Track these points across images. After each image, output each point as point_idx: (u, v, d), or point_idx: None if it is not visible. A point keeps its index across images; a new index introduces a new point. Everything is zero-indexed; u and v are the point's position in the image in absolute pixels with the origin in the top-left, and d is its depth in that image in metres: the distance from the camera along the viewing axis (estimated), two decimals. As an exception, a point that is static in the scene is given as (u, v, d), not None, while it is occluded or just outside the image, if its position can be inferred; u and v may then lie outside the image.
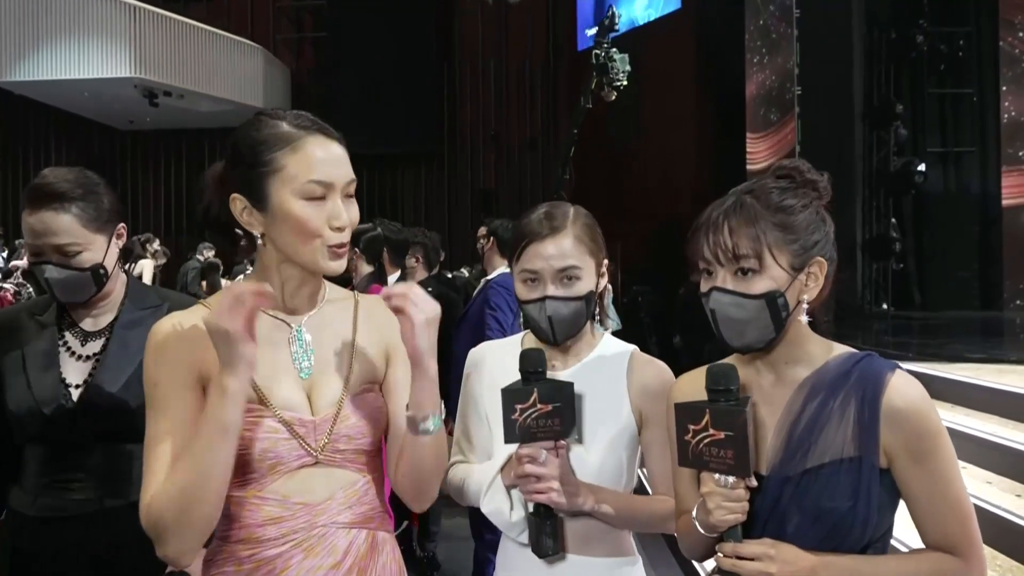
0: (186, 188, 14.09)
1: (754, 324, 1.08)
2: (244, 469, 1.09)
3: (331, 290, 1.25)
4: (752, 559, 1.04)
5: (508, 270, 3.17)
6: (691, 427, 1.05)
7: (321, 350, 1.17)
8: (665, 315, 9.31)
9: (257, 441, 1.08)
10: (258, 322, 1.09)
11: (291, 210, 1.09)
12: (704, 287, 1.12)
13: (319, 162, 1.10)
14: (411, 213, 13.49)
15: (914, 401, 1.07)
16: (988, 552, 2.87)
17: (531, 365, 1.28)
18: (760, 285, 1.07)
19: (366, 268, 3.48)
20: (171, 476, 1.03)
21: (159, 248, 8.96)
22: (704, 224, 1.12)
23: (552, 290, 1.34)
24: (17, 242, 8.18)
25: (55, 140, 14.06)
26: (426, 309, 1.09)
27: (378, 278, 3.55)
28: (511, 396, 1.26)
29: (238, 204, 1.12)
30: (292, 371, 1.14)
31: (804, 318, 1.10)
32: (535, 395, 1.25)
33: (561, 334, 1.37)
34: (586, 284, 1.36)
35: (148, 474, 1.06)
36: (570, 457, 1.33)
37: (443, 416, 1.19)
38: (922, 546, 1.12)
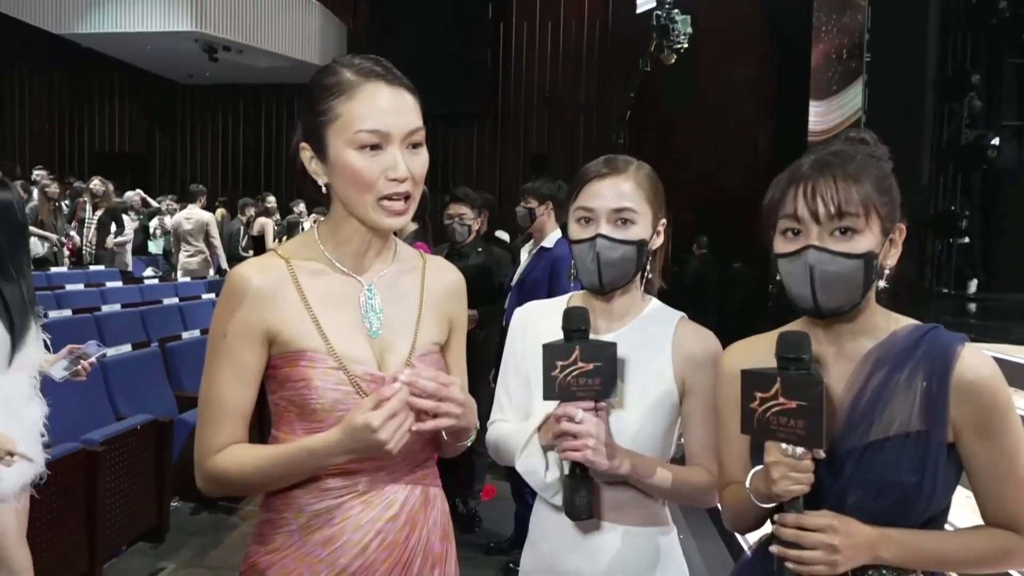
0: (243, 143, 14.33)
1: (849, 285, 1.05)
2: (313, 418, 1.10)
3: (402, 249, 1.24)
4: (816, 530, 1.01)
5: (563, 237, 3.13)
6: (759, 395, 1.01)
7: (390, 310, 1.17)
8: (716, 284, 9.18)
9: (329, 392, 1.09)
10: (329, 279, 1.13)
11: (346, 160, 1.07)
12: (789, 247, 1.07)
13: (374, 110, 1.06)
14: (462, 174, 13.48)
15: (986, 375, 1.04)
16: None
17: (574, 323, 1.26)
18: (862, 244, 1.04)
19: (411, 225, 3.49)
20: (240, 467, 1.10)
21: (273, 204, 9.19)
22: (798, 179, 1.07)
23: (605, 229, 1.32)
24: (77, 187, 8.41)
25: (118, 92, 14.39)
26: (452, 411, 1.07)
27: (422, 236, 3.57)
28: (552, 352, 1.24)
29: (306, 153, 1.12)
30: (362, 329, 1.14)
31: (882, 284, 1.07)
32: (577, 352, 1.23)
33: (608, 277, 1.33)
34: (641, 230, 1.34)
35: (210, 424, 1.12)
36: (609, 420, 1.31)
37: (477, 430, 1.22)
38: (979, 523, 1.09)
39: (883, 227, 1.06)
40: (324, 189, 1.13)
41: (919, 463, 1.03)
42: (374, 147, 1.07)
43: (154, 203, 10.41)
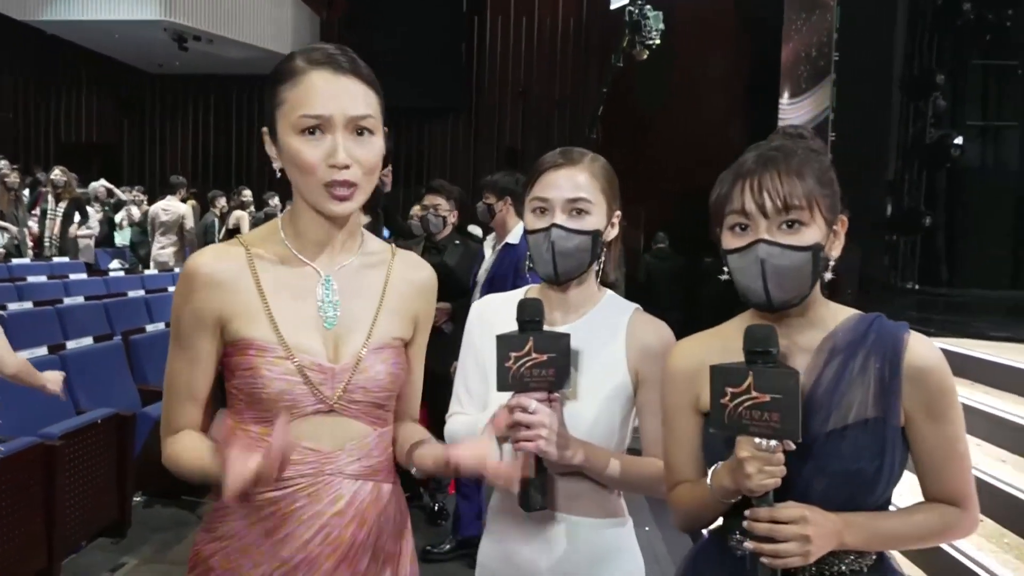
0: (213, 133, 14.14)
1: (798, 278, 1.07)
2: (260, 407, 1.10)
3: (370, 242, 1.23)
4: (788, 523, 1.02)
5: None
6: (730, 390, 1.00)
7: (348, 301, 1.16)
8: (689, 279, 9.26)
9: (276, 381, 1.08)
10: (288, 268, 1.13)
11: (289, 144, 1.07)
12: (738, 242, 1.08)
13: (315, 95, 1.06)
14: (437, 167, 13.43)
15: (934, 361, 1.09)
16: (996, 529, 2.86)
17: (528, 314, 1.26)
18: (809, 236, 1.06)
19: (363, 218, 3.45)
20: (177, 455, 1.14)
21: (248, 197, 9.09)
22: (743, 175, 1.08)
23: (561, 219, 1.33)
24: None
25: (86, 81, 14.11)
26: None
27: (373, 228, 3.54)
28: (506, 343, 1.24)
29: (266, 138, 1.13)
30: (317, 319, 1.13)
31: (828, 275, 1.09)
32: (530, 343, 1.23)
33: (563, 267, 1.34)
34: (595, 221, 1.34)
35: (169, 405, 1.16)
36: (563, 411, 1.31)
37: None
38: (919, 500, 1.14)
39: (826, 219, 1.08)
40: (279, 173, 1.13)
41: (878, 449, 1.06)
42: (314, 131, 1.06)
43: (119, 193, 10.24)
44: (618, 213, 1.40)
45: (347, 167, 1.06)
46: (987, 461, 3.25)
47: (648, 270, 9.20)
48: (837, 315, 1.14)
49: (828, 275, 1.10)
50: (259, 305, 1.10)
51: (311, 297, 1.14)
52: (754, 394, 0.99)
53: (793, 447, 1.02)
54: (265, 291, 1.11)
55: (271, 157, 1.13)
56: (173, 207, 7.81)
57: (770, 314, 1.11)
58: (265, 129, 1.13)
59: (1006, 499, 2.89)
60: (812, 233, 1.06)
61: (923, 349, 1.09)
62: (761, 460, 1.01)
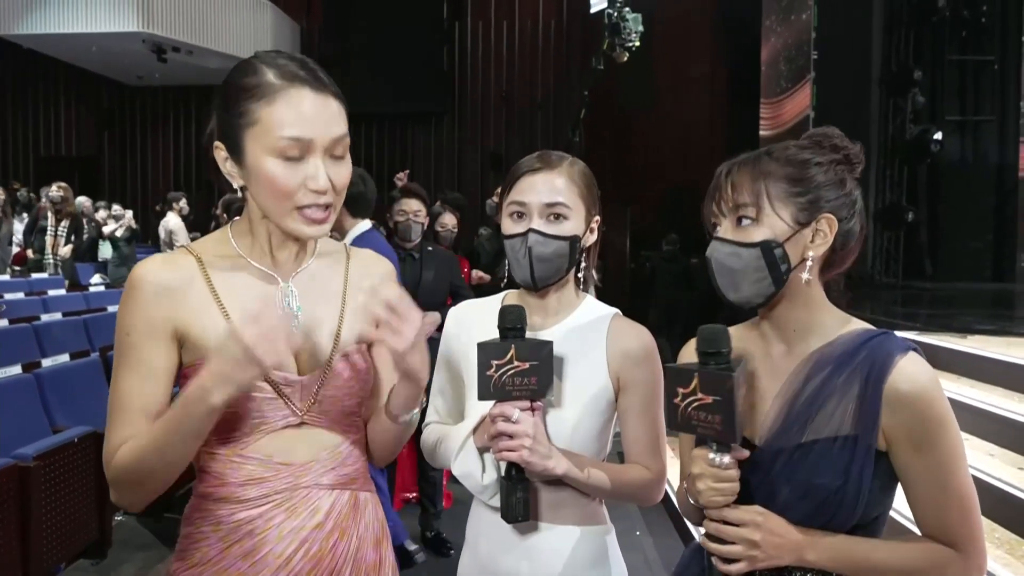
0: (195, 143, 14.05)
1: (751, 276, 1.05)
2: (227, 427, 1.05)
3: (322, 243, 1.19)
4: (739, 524, 1.01)
5: (368, 225, 3.01)
6: (680, 390, 1.01)
7: (310, 308, 1.12)
8: (673, 281, 9.26)
9: (242, 400, 1.03)
10: (244, 275, 1.07)
11: (264, 168, 1.01)
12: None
13: (297, 117, 1.00)
14: (420, 172, 13.40)
15: (920, 387, 1.01)
16: (987, 524, 2.85)
17: (510, 322, 1.23)
18: (757, 234, 1.04)
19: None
20: (137, 447, 1.00)
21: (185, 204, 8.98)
22: (715, 180, 1.11)
23: (537, 224, 1.30)
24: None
25: (64, 94, 13.99)
26: (407, 335, 1.01)
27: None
28: (488, 351, 1.21)
29: (220, 153, 1.06)
30: None
31: (805, 276, 1.05)
32: (512, 352, 1.20)
33: (540, 273, 1.31)
34: (573, 226, 1.32)
35: (114, 425, 1.04)
36: (545, 419, 1.29)
37: (423, 405, 1.18)
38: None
39: (795, 217, 1.05)
40: (239, 192, 1.07)
41: (844, 467, 1.02)
42: (294, 157, 1.00)
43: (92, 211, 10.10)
44: (597, 218, 1.38)
45: (325, 192, 1.03)
46: (976, 455, 3.24)
47: (654, 270, 9.19)
48: (843, 325, 1.10)
49: (805, 275, 1.06)
50: (216, 314, 1.05)
51: (271, 305, 1.10)
52: (700, 395, 0.99)
53: (746, 454, 1.01)
54: (222, 299, 1.06)
55: (228, 175, 1.06)
56: (164, 222, 7.79)
57: (768, 315, 1.12)
58: (219, 144, 1.06)
59: (995, 493, 2.89)
60: (761, 231, 1.05)
61: (911, 374, 1.02)
62: (712, 476, 1.00)
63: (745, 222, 1.06)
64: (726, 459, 1.00)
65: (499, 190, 3.72)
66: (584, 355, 1.33)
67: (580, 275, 1.39)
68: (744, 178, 1.07)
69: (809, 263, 1.06)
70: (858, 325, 1.11)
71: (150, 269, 1.05)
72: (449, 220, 4.29)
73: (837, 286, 1.13)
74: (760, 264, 1.05)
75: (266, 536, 1.06)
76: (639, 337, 1.35)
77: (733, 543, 1.02)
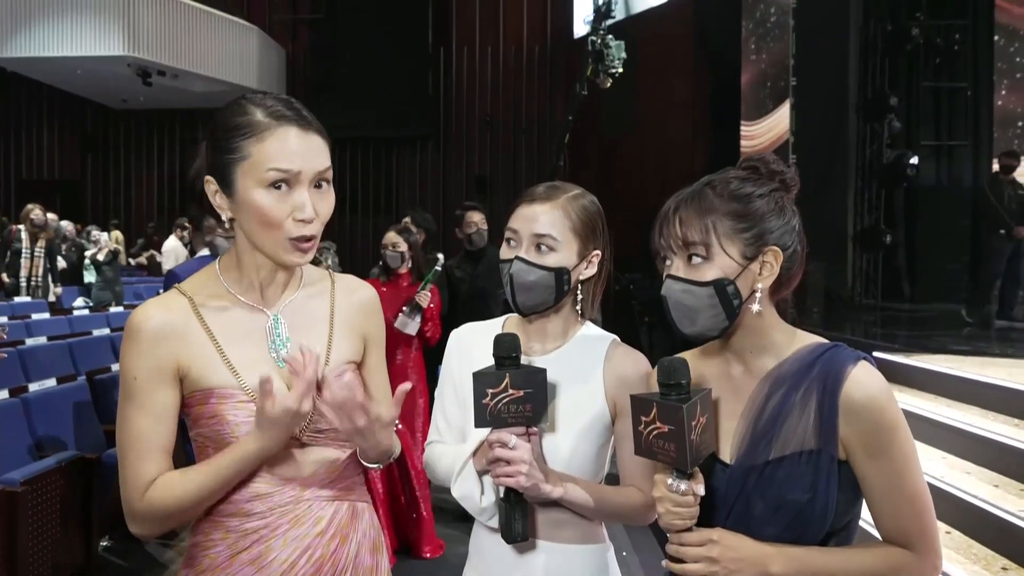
0: (179, 167, 14.03)
1: (705, 312, 1.09)
2: None
3: (308, 273, 1.25)
4: (697, 545, 1.05)
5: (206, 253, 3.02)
6: (643, 418, 1.05)
7: (298, 337, 1.17)
8: (656, 304, 9.33)
9: (242, 426, 1.10)
10: (235, 311, 1.14)
11: (254, 199, 1.08)
12: (664, 276, 1.14)
13: (285, 152, 1.07)
14: (405, 196, 13.46)
15: (872, 394, 1.05)
16: (964, 540, 2.90)
17: (504, 350, 1.26)
18: (709, 272, 1.08)
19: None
20: (180, 489, 1.09)
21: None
22: (661, 214, 1.14)
23: (524, 253, 1.35)
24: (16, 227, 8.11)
25: (48, 118, 13.95)
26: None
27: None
28: (483, 380, 1.25)
29: (211, 186, 1.12)
30: (271, 359, 1.15)
31: (756, 307, 1.10)
32: (507, 380, 1.23)
33: (522, 299, 1.36)
34: (560, 258, 1.35)
35: (135, 463, 1.10)
36: (542, 444, 1.32)
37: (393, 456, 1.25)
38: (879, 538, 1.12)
39: (743, 253, 1.09)
40: (228, 224, 1.14)
41: (812, 481, 1.05)
42: (282, 185, 1.07)
43: (75, 235, 10.04)
44: (597, 253, 1.40)
45: (311, 221, 1.10)
46: (952, 474, 3.31)
47: (637, 293, 9.24)
48: (795, 342, 1.15)
49: (756, 307, 1.10)
50: (214, 352, 1.12)
51: (262, 338, 1.16)
52: (658, 424, 1.03)
53: (701, 491, 1.05)
54: (217, 338, 1.13)
55: (218, 207, 1.13)
56: (165, 246, 7.83)
57: (716, 341, 1.16)
58: (210, 178, 1.12)
59: (971, 511, 2.95)
60: (713, 270, 1.08)
61: (863, 382, 1.05)
62: (670, 501, 1.04)
63: (696, 260, 1.09)
64: (683, 485, 1.03)
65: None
66: (582, 381, 1.37)
67: (578, 307, 1.42)
68: (691, 215, 1.10)
69: (759, 295, 1.10)
70: (810, 340, 1.15)
71: (148, 315, 1.11)
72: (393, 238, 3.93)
73: (786, 304, 1.17)
74: (714, 301, 1.09)
75: (272, 543, 1.12)
76: (636, 364, 1.39)
77: (693, 562, 1.05)
